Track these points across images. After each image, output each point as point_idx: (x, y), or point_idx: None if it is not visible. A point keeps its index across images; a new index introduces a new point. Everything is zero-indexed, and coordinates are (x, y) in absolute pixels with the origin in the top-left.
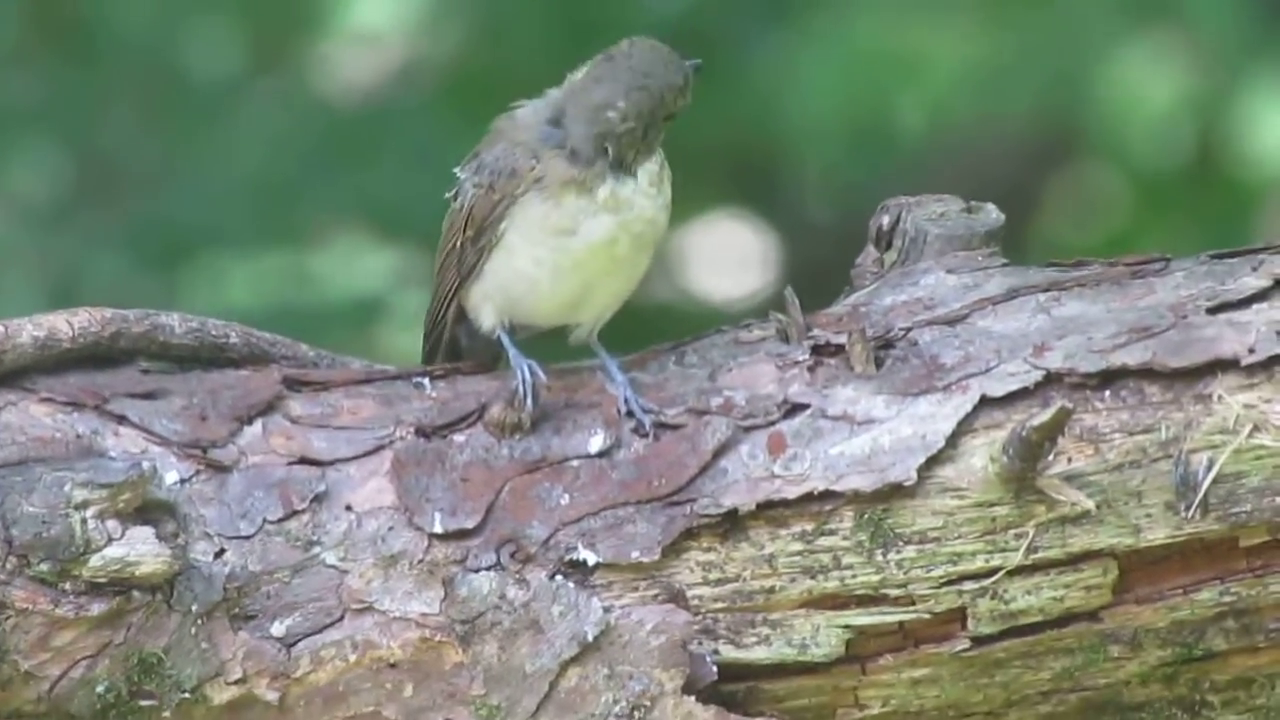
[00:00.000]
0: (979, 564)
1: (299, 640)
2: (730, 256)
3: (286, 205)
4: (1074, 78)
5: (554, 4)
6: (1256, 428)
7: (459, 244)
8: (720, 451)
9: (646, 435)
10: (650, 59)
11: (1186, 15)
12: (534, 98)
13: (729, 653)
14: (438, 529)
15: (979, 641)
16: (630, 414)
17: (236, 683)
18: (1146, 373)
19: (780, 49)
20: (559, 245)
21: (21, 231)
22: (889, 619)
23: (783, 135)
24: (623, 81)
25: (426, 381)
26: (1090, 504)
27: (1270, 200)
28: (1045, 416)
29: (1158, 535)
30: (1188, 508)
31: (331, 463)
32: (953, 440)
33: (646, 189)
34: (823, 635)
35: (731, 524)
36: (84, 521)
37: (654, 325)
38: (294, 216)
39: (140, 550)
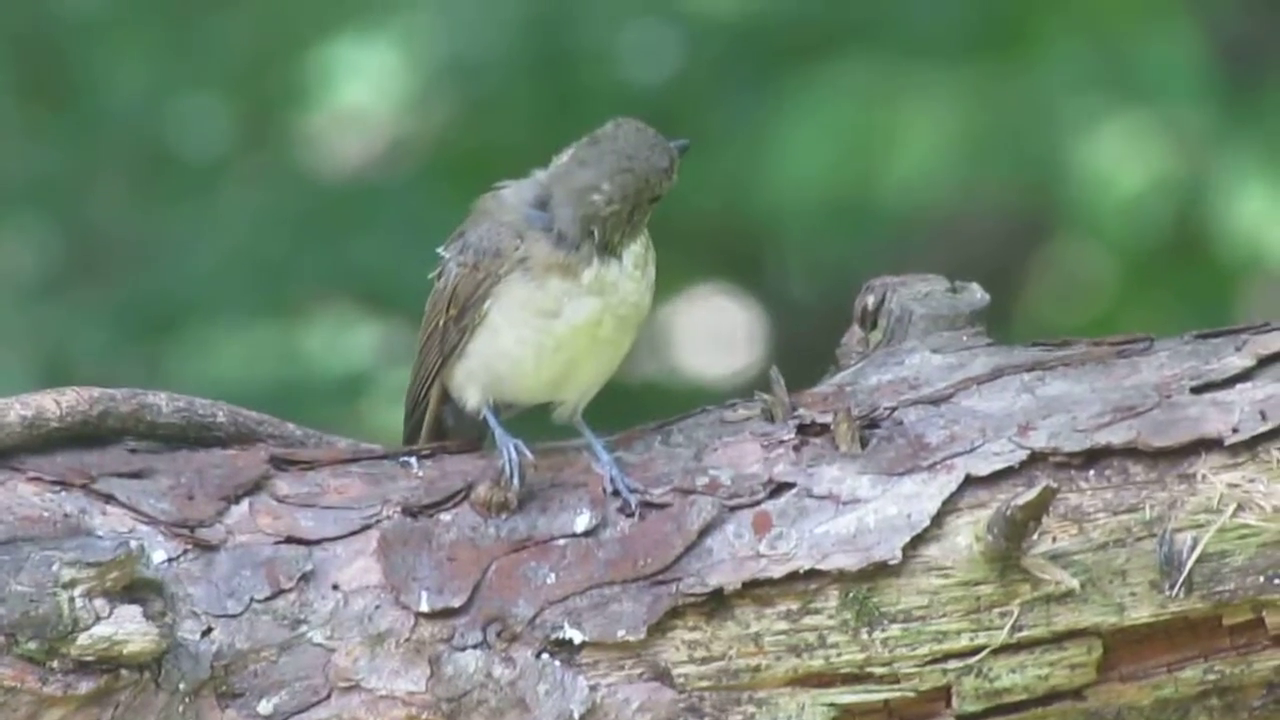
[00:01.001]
0: (964, 642)
1: (286, 719)
2: (716, 333)
3: (273, 280)
4: (1051, 155)
5: (540, 77)
6: (1240, 507)
7: (442, 323)
8: (706, 530)
9: (632, 514)
10: (635, 141)
11: (1159, 96)
12: (519, 178)
13: None
14: (424, 608)
15: None
16: (616, 493)
17: None
18: (1131, 452)
19: (761, 122)
20: (543, 326)
21: (10, 305)
22: (874, 697)
23: (765, 210)
24: (608, 164)
25: (413, 461)
26: (1075, 583)
27: (1252, 277)
28: (1030, 496)
29: (1142, 614)
30: (1172, 586)
31: (318, 542)
32: (938, 519)
33: (631, 271)
34: (808, 713)
35: (717, 603)
36: (72, 600)
37: (639, 402)
38: (281, 291)
39: (128, 629)
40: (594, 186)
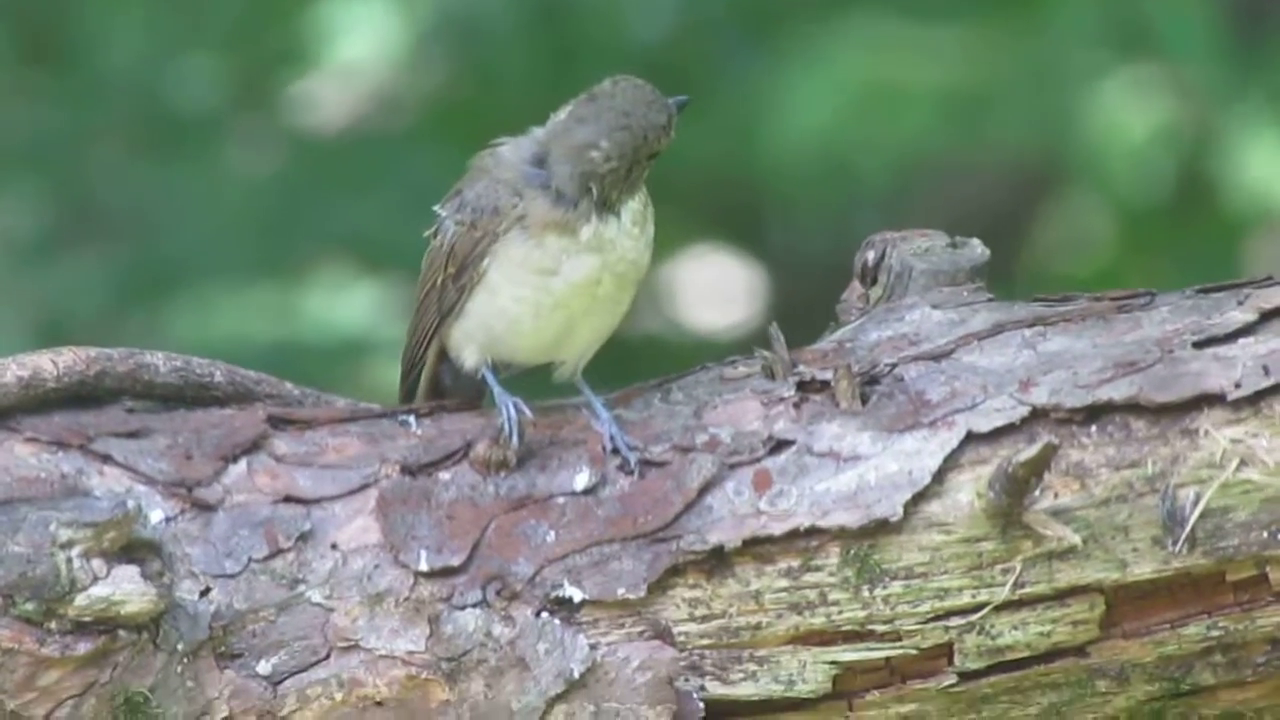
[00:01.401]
0: (965, 599)
1: (285, 678)
2: (716, 289)
3: (271, 239)
4: (1057, 109)
5: (537, 33)
6: (1243, 462)
7: (439, 282)
8: (706, 488)
9: (632, 473)
10: (633, 98)
11: (1167, 49)
12: (517, 135)
13: (716, 689)
14: (423, 567)
15: (966, 677)
16: (616, 451)
17: None
18: (1133, 408)
19: (762, 77)
20: (541, 284)
21: (7, 266)
22: (876, 655)
23: (766, 165)
24: (605, 121)
25: (412, 419)
26: (1077, 539)
27: (1256, 232)
28: (1031, 452)
29: (1145, 570)
30: (1174, 542)
31: (317, 501)
32: (939, 476)
33: (630, 228)
34: (809, 671)
35: (717, 560)
36: (69, 561)
37: (640, 357)
38: (278, 250)
39: (125, 589)
40: (592, 144)
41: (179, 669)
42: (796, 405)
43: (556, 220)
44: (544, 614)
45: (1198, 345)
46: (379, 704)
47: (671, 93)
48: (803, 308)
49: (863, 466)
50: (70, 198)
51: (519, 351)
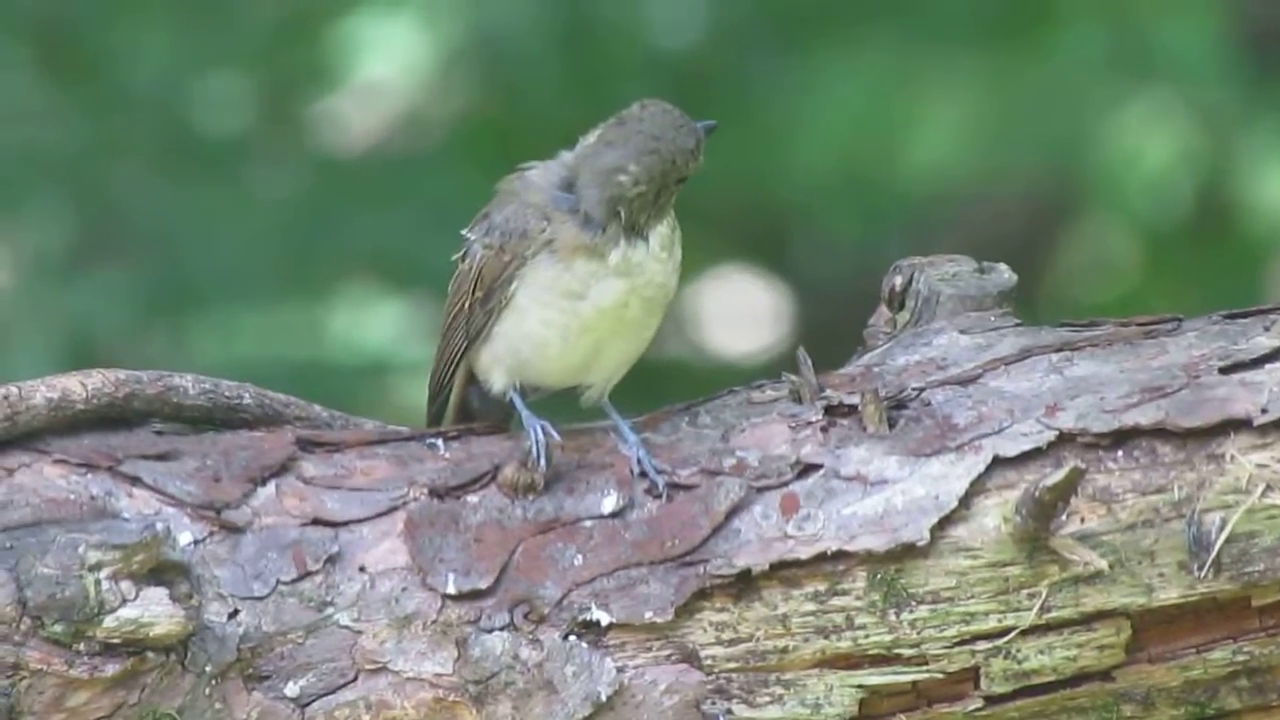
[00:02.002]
0: (992, 624)
1: (313, 701)
2: (743, 312)
3: (296, 258)
4: (1074, 135)
5: (565, 52)
6: (1269, 487)
7: (467, 305)
8: (733, 512)
9: (660, 496)
10: (662, 122)
11: (1180, 76)
12: (545, 159)
13: (742, 713)
14: (451, 589)
15: (992, 701)
16: (643, 474)
17: None
18: (1159, 432)
19: (783, 100)
20: (569, 308)
21: (35, 285)
22: (902, 679)
23: (789, 188)
24: (634, 145)
25: (440, 442)
26: (1103, 564)
27: (1278, 255)
28: (1058, 477)
29: (1171, 595)
30: (1200, 567)
31: (345, 524)
32: (965, 500)
33: (658, 253)
34: (836, 695)
35: (744, 584)
36: (98, 583)
37: (666, 381)
38: (304, 269)
39: (154, 611)
40: (620, 168)
41: (207, 691)
42: (824, 429)
43: (585, 244)
44: (571, 637)
45: (1224, 370)
46: None
47: (698, 115)
48: (829, 331)
49: (889, 490)
50: (96, 216)
51: (547, 375)
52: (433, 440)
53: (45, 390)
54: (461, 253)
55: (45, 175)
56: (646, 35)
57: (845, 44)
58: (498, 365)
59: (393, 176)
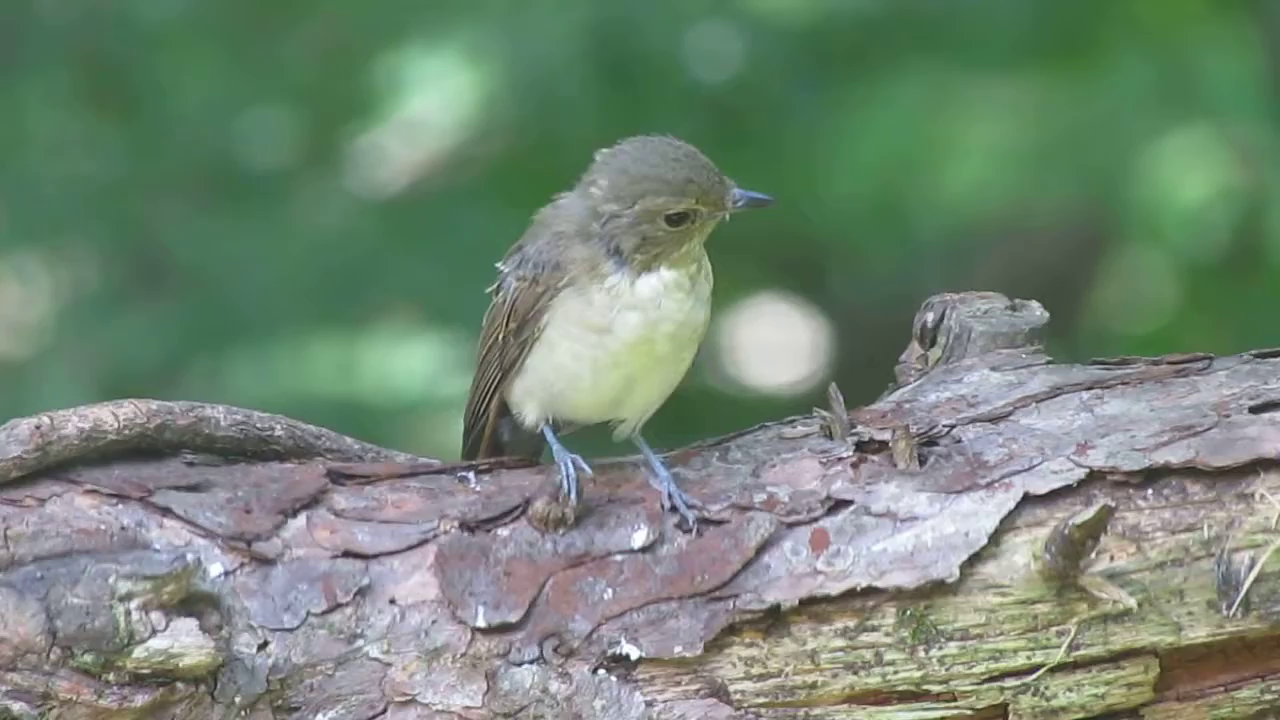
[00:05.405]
0: (1021, 661)
1: None
2: (777, 343)
3: (334, 294)
4: (1112, 167)
5: (603, 83)
6: None
7: (501, 338)
8: (763, 547)
9: (690, 531)
10: (647, 149)
11: (1220, 110)
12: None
13: None
14: (481, 623)
15: None
16: (674, 509)
17: None
18: (1189, 471)
19: (820, 131)
20: (597, 342)
21: (72, 317)
22: (931, 715)
23: (825, 219)
24: (612, 166)
25: (471, 475)
26: (1132, 602)
27: None
28: (1088, 514)
29: (1199, 633)
30: (1229, 606)
31: (375, 556)
32: (995, 538)
33: (672, 289)
34: None
35: (774, 619)
36: (128, 613)
37: (699, 412)
38: (341, 305)
39: (184, 642)
40: (593, 180)
41: None
42: (855, 465)
43: (599, 275)
44: (601, 671)
45: (1254, 410)
46: None
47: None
48: (862, 364)
49: (919, 527)
50: (136, 249)
51: (579, 409)
52: (464, 473)
53: (77, 420)
54: (496, 285)
55: (86, 208)
56: (684, 69)
57: (883, 74)
58: (530, 398)
59: (432, 213)
